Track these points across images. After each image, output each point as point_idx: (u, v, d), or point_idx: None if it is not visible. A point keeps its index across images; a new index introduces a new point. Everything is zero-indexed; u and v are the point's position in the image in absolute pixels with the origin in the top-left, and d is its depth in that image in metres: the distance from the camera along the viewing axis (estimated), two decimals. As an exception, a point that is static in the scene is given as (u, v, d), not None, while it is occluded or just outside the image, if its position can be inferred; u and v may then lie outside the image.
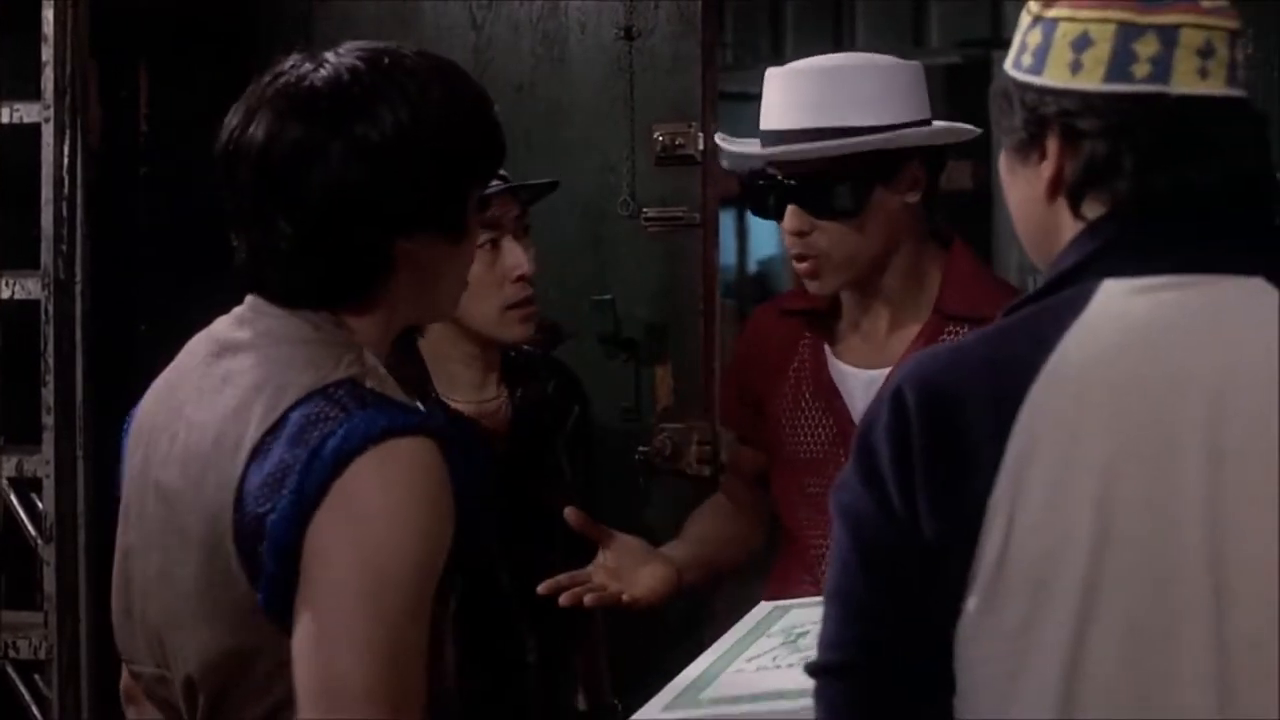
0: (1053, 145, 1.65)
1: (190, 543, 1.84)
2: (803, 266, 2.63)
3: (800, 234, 2.60)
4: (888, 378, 1.72)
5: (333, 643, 1.74)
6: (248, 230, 1.90)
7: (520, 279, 2.78)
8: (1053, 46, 1.65)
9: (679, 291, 3.97)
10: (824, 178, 2.57)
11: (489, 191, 2.75)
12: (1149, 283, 1.59)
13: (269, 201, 1.86)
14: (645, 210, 4.06)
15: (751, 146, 2.65)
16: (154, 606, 1.90)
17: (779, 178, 2.61)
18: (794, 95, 2.56)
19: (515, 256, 2.78)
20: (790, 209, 2.61)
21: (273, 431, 1.79)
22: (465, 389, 2.88)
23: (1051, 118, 1.65)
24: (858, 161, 2.56)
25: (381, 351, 1.93)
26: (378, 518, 1.75)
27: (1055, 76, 1.65)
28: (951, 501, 1.55)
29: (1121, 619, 1.52)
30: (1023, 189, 1.70)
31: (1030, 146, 1.68)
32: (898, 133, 2.57)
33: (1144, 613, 1.52)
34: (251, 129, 1.87)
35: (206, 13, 4.47)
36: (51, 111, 4.10)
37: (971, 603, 1.55)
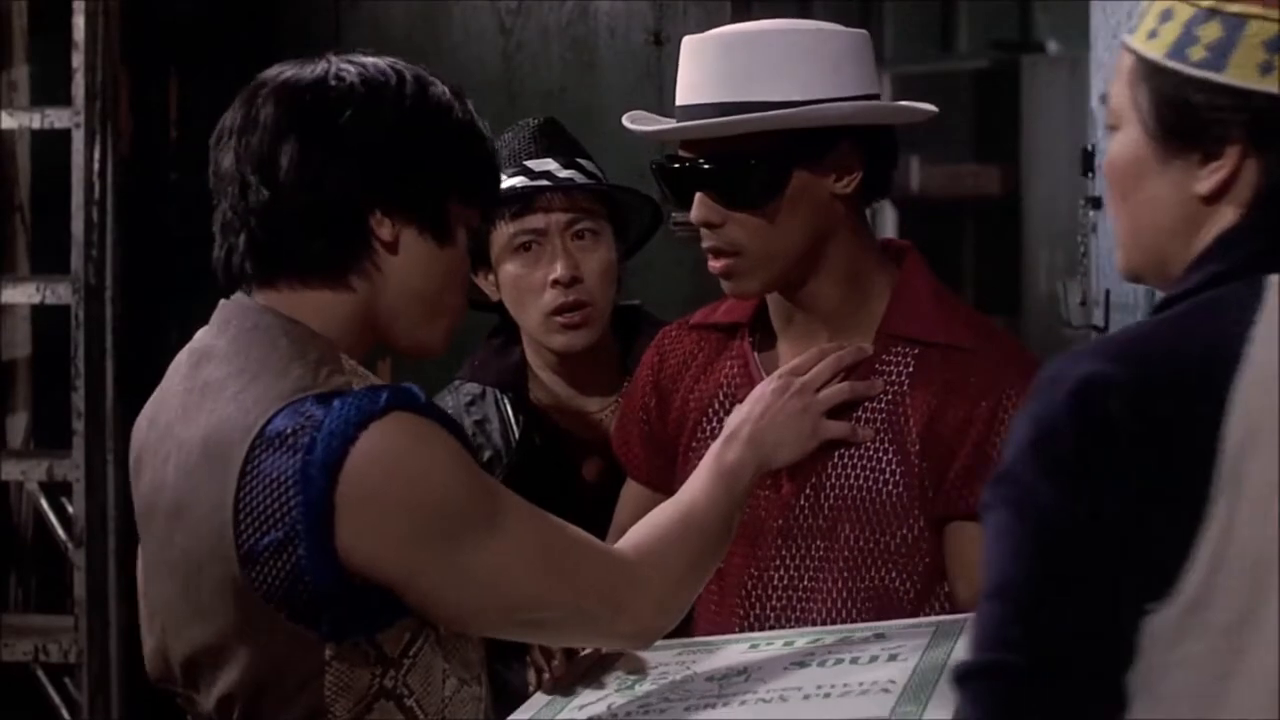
0: (1233, 150, 1.59)
1: (199, 565, 1.84)
2: (716, 265, 2.25)
3: (710, 226, 2.23)
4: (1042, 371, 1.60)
5: (481, 596, 1.83)
6: (224, 209, 1.92)
7: (555, 284, 2.69)
8: (1239, 45, 1.58)
9: (707, 298, 3.95)
10: (735, 160, 2.20)
11: (526, 188, 2.71)
12: None
13: (245, 175, 1.89)
14: (674, 216, 4.04)
15: (665, 124, 2.31)
16: (179, 635, 1.90)
17: (689, 161, 2.24)
18: (706, 67, 2.22)
19: (550, 260, 2.70)
20: (698, 197, 2.22)
21: (255, 446, 1.80)
22: (560, 400, 2.81)
23: (1235, 120, 1.58)
24: (773, 141, 2.18)
25: (355, 355, 1.92)
26: (397, 493, 1.79)
27: (1241, 76, 1.57)
28: (1167, 497, 1.51)
29: None
30: (1168, 186, 1.63)
31: (1194, 145, 1.60)
32: (813, 108, 2.17)
33: None
34: (235, 112, 1.93)
35: (236, 20, 4.48)
36: (82, 118, 4.12)
37: (1179, 601, 1.51)
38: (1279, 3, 1.59)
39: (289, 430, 1.79)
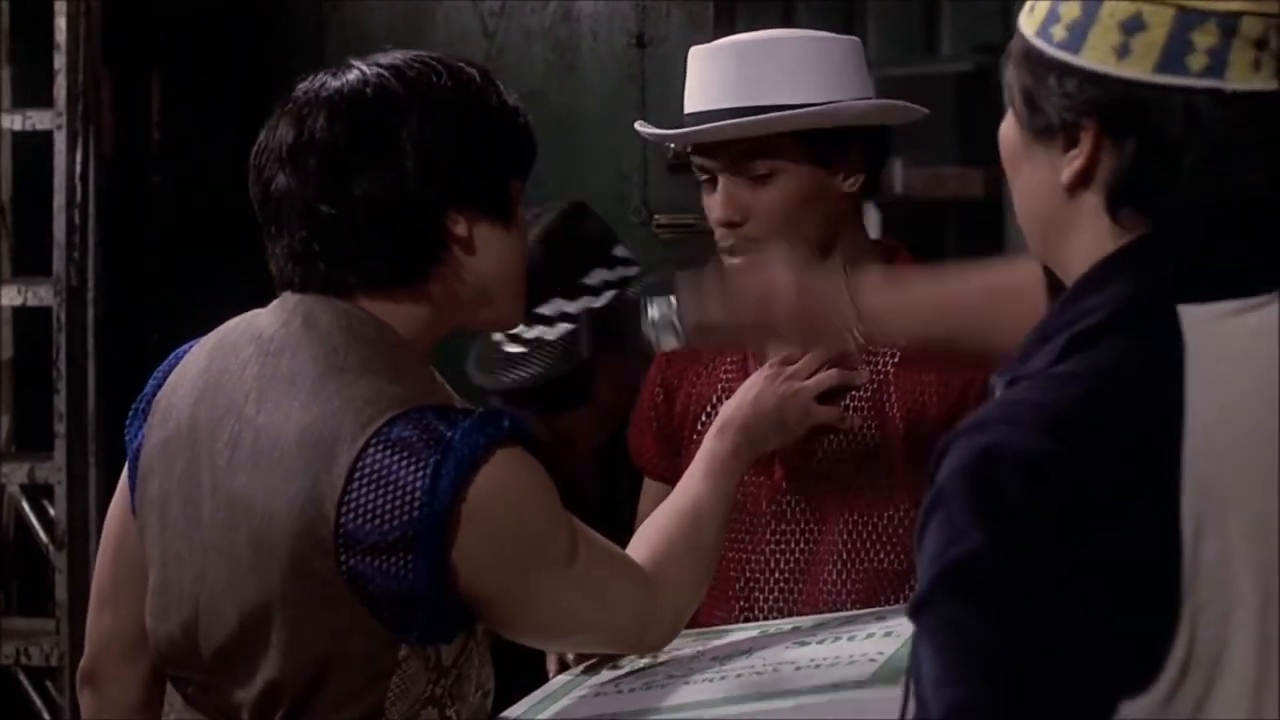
0: (1087, 138, 1.46)
1: (272, 553, 1.82)
2: (736, 261, 2.35)
3: (731, 224, 2.33)
4: (949, 442, 1.43)
5: (544, 618, 1.91)
6: (286, 228, 1.89)
7: None
8: (1096, 24, 1.45)
9: (691, 298, 3.97)
10: (755, 162, 2.31)
11: None
12: (1228, 308, 1.42)
13: (309, 195, 1.87)
14: (657, 217, 4.06)
15: (680, 129, 2.40)
16: (220, 620, 1.88)
17: (706, 164, 2.35)
18: (717, 73, 2.32)
19: None
20: (719, 198, 2.34)
21: (370, 444, 1.80)
22: None
23: (1088, 106, 1.45)
24: (791, 142, 2.31)
25: (428, 354, 1.96)
26: (513, 517, 1.85)
27: (1096, 59, 1.44)
28: (1138, 589, 1.36)
29: None
30: (1038, 173, 1.51)
31: (1055, 131, 1.48)
32: (832, 108, 2.29)
33: None
34: (281, 131, 1.90)
35: (219, 20, 4.48)
36: (64, 119, 4.11)
37: (1151, 696, 1.37)
38: None
39: (413, 438, 1.81)
